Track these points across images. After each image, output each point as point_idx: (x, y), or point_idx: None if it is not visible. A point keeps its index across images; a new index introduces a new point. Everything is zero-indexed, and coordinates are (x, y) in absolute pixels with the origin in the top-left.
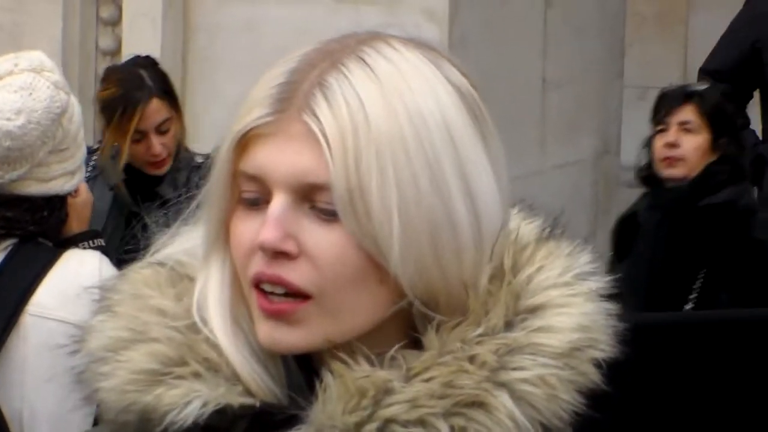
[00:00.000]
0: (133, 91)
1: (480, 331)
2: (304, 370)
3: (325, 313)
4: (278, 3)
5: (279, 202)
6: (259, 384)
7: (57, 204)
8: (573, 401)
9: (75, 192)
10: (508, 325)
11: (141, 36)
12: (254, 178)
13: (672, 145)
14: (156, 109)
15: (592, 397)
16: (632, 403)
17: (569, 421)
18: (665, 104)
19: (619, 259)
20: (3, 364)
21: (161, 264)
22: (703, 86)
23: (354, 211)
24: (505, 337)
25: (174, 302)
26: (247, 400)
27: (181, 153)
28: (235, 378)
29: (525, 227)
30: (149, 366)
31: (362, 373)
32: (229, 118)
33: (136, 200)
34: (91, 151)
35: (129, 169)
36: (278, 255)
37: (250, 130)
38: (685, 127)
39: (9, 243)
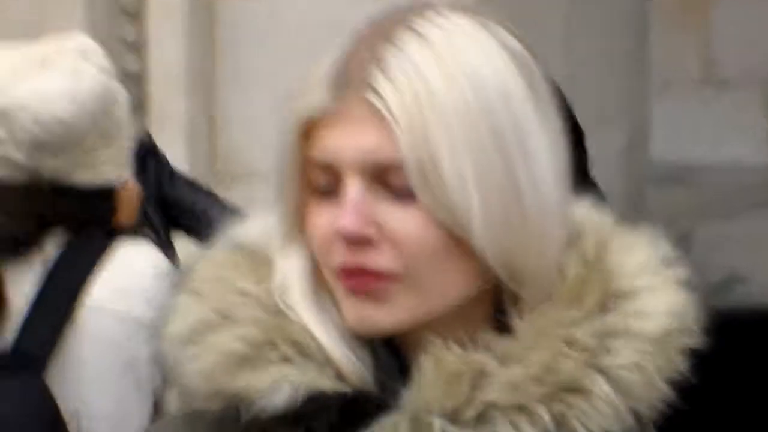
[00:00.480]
0: None
1: (576, 313)
2: (392, 354)
3: (413, 291)
4: None
5: (354, 186)
6: (351, 368)
7: (107, 193)
8: (666, 391)
9: (124, 184)
10: (601, 308)
11: (166, 32)
12: (324, 165)
13: None
14: None
15: (679, 387)
16: (715, 396)
17: (658, 412)
18: None
19: None
20: (60, 361)
21: (240, 247)
22: None
23: (429, 185)
24: (601, 320)
25: (256, 285)
26: (339, 386)
27: None
28: (325, 362)
29: (599, 214)
30: (238, 348)
31: (458, 355)
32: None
33: None
34: None
35: None
36: (360, 241)
37: (312, 117)
38: None
39: (59, 233)
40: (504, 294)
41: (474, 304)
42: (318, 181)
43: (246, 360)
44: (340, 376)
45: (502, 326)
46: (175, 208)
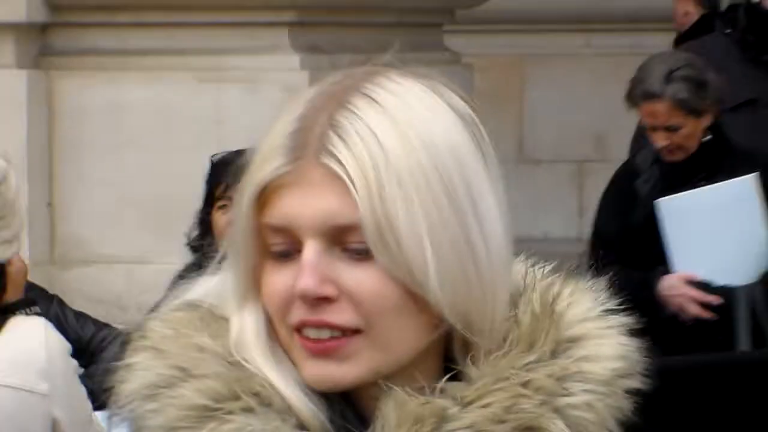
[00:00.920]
0: None
1: (532, 358)
2: (346, 404)
3: (373, 345)
4: (141, 83)
5: (311, 249)
6: (312, 417)
7: None
8: (615, 429)
9: (9, 261)
10: (554, 354)
11: (5, 122)
12: (281, 230)
13: None
14: None
15: (626, 426)
16: None
17: None
18: None
19: None
20: None
21: (194, 306)
22: None
23: (385, 245)
24: (555, 364)
25: (212, 340)
26: None
27: None
28: (287, 411)
29: (540, 269)
30: (200, 401)
31: (419, 400)
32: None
33: None
34: None
35: None
36: (319, 300)
37: (269, 183)
38: None
39: None
40: (454, 342)
41: (427, 353)
42: (274, 245)
43: (209, 412)
44: (301, 425)
45: (453, 374)
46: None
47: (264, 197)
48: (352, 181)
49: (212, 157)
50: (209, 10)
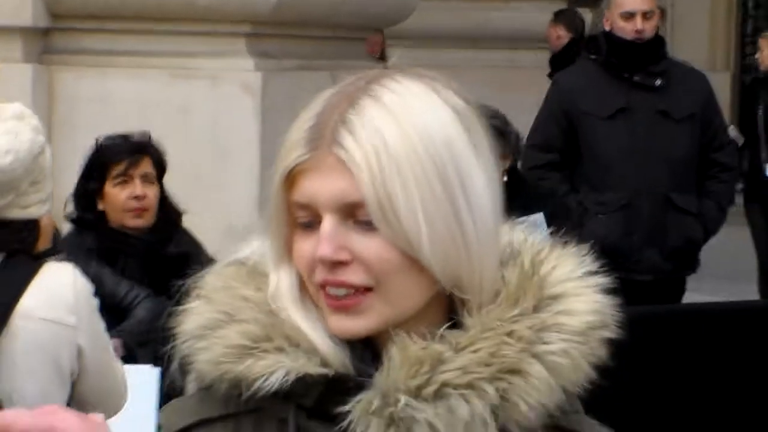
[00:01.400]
0: None
1: (516, 312)
2: (367, 347)
3: (382, 300)
4: (124, 77)
5: (328, 222)
6: (333, 356)
7: (33, 226)
8: (589, 372)
9: (43, 217)
10: (536, 309)
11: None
12: (304, 206)
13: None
14: None
15: (600, 370)
16: (631, 381)
17: (584, 388)
18: None
19: None
20: None
21: (241, 263)
22: None
23: (386, 219)
24: (536, 317)
25: (255, 292)
26: (323, 370)
27: None
28: (312, 352)
29: (532, 236)
30: (241, 342)
31: (420, 345)
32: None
33: None
34: None
35: None
36: (336, 264)
37: (294, 167)
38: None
39: None
40: (455, 298)
41: (431, 306)
42: (300, 218)
43: (248, 350)
44: (324, 363)
45: (455, 323)
46: None
47: (291, 179)
48: (358, 168)
49: (100, 139)
50: (182, 20)
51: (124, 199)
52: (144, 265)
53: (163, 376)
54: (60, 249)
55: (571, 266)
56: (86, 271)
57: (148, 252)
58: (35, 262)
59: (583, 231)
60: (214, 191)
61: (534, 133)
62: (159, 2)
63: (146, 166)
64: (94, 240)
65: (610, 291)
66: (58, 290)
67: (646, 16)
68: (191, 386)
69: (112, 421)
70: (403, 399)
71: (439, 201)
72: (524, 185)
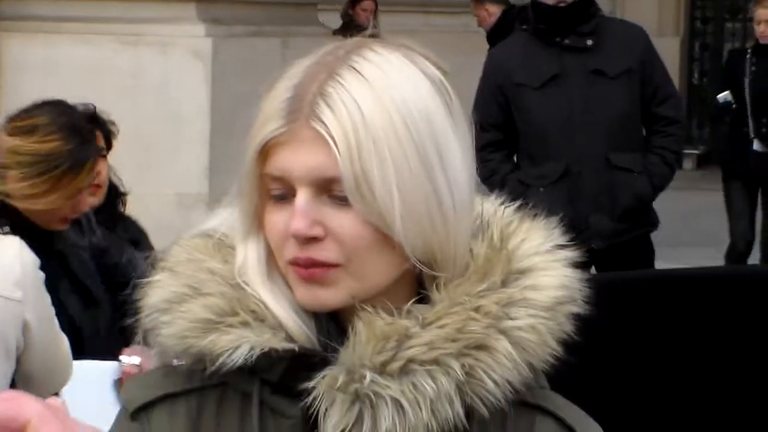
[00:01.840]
0: None
1: (483, 287)
2: (332, 322)
3: (352, 276)
4: (73, 44)
5: (302, 196)
6: (299, 331)
7: None
8: (555, 348)
9: None
10: (504, 283)
11: None
12: (278, 178)
13: None
14: None
15: (566, 345)
16: (599, 353)
17: (549, 364)
18: None
19: None
20: None
21: (208, 235)
22: None
23: (361, 195)
24: (503, 292)
25: (221, 265)
26: (289, 345)
27: None
28: (278, 326)
29: (505, 208)
30: (205, 316)
31: (386, 321)
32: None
33: None
34: None
35: None
36: (308, 240)
37: (270, 140)
38: None
39: None
40: (423, 273)
41: (400, 281)
42: (273, 190)
43: (212, 325)
44: (289, 338)
45: (424, 298)
46: None
47: (266, 151)
48: (335, 142)
49: None
50: None
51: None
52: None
53: None
54: (4, 221)
55: (539, 239)
56: None
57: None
58: None
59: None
60: (165, 159)
61: (473, 113)
62: None
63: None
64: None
65: (578, 264)
66: (4, 264)
67: None
68: (154, 360)
69: (79, 411)
70: (368, 375)
71: (417, 178)
72: None
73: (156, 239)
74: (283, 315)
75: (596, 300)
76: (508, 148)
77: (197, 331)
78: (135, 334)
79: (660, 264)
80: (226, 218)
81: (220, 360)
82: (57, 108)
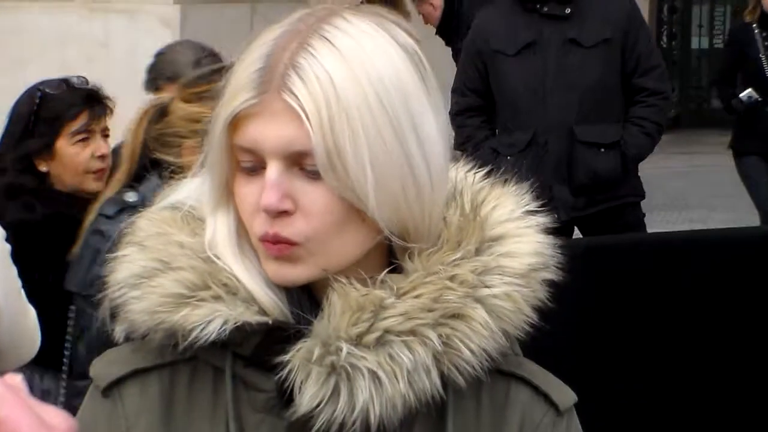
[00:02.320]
0: None
1: (458, 255)
2: (306, 295)
3: (318, 252)
4: (40, 12)
5: (273, 169)
6: (272, 304)
7: None
8: (530, 315)
9: None
10: (478, 252)
11: None
12: (249, 150)
13: None
14: None
15: (541, 312)
16: (574, 319)
17: (525, 332)
18: None
19: None
20: None
21: (175, 208)
22: None
23: (334, 170)
24: (478, 260)
25: (191, 237)
26: (262, 318)
27: None
28: (250, 300)
29: (475, 174)
30: (177, 290)
31: (361, 291)
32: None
33: None
34: None
35: None
36: (278, 213)
37: (240, 111)
38: None
39: None
40: (398, 243)
41: (372, 251)
42: (243, 162)
43: (184, 299)
44: (262, 311)
45: (396, 268)
46: None
47: (236, 122)
48: (307, 116)
49: (42, 88)
50: None
51: (87, 158)
52: None
53: None
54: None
55: (511, 206)
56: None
57: None
58: None
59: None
60: None
61: (456, 76)
62: None
63: (106, 120)
64: (32, 207)
65: (549, 231)
66: None
67: None
68: (120, 336)
69: None
70: (344, 347)
71: (391, 152)
72: None
73: None
74: (255, 288)
75: (570, 266)
76: (487, 114)
77: (169, 306)
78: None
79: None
80: (194, 189)
81: (193, 335)
82: None
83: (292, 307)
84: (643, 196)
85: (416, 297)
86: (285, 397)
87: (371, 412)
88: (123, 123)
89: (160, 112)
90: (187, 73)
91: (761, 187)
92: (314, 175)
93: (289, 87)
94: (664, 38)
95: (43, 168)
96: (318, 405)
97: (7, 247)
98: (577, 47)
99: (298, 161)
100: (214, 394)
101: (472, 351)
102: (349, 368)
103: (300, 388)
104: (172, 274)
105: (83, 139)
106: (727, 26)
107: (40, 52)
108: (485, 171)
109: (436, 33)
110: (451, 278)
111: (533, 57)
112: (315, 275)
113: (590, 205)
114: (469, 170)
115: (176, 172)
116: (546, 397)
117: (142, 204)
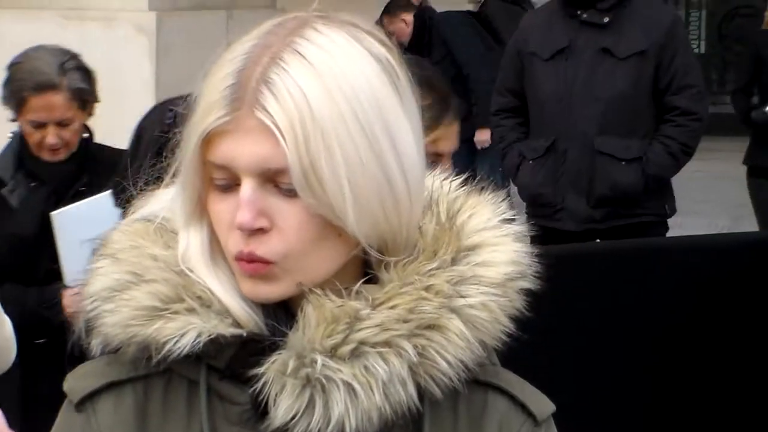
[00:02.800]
0: None
1: (434, 265)
2: (281, 306)
3: (293, 269)
4: (13, 19)
5: (248, 186)
6: (246, 317)
7: None
8: (507, 325)
9: None
10: (454, 261)
11: None
12: (222, 167)
13: None
14: None
15: (518, 321)
16: (552, 328)
17: (501, 341)
18: None
19: None
20: None
21: (149, 220)
22: None
23: (310, 188)
24: (454, 270)
25: (164, 250)
26: (237, 331)
27: None
28: (225, 312)
29: (450, 183)
30: (150, 303)
31: (336, 303)
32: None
33: None
34: None
35: None
36: (254, 231)
37: (212, 129)
38: None
39: None
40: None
41: (348, 263)
42: (217, 179)
43: (157, 312)
44: (237, 323)
45: (372, 278)
46: None
47: (209, 138)
48: (281, 133)
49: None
50: None
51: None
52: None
53: None
54: None
55: (487, 214)
56: None
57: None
58: None
59: (516, 180)
60: (109, 136)
61: (498, 76)
62: None
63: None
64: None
65: (527, 238)
66: None
67: None
68: (96, 350)
69: None
70: (319, 359)
71: (368, 168)
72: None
73: None
74: (229, 301)
75: (548, 275)
76: (524, 116)
77: (142, 319)
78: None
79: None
80: (167, 201)
81: (167, 347)
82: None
83: (267, 319)
84: (669, 215)
85: (391, 308)
86: (260, 409)
87: (347, 424)
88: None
89: None
90: (55, 79)
91: None
92: (290, 193)
93: (261, 104)
94: None
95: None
96: (293, 418)
97: None
98: (609, 57)
99: (273, 178)
100: (188, 407)
101: (448, 362)
102: (324, 380)
103: (275, 400)
104: (145, 286)
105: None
106: (702, 31)
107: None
108: (460, 179)
109: (406, 50)
110: (427, 288)
111: (564, 63)
112: (290, 292)
113: (610, 218)
114: (444, 178)
115: None
116: (523, 407)
117: None
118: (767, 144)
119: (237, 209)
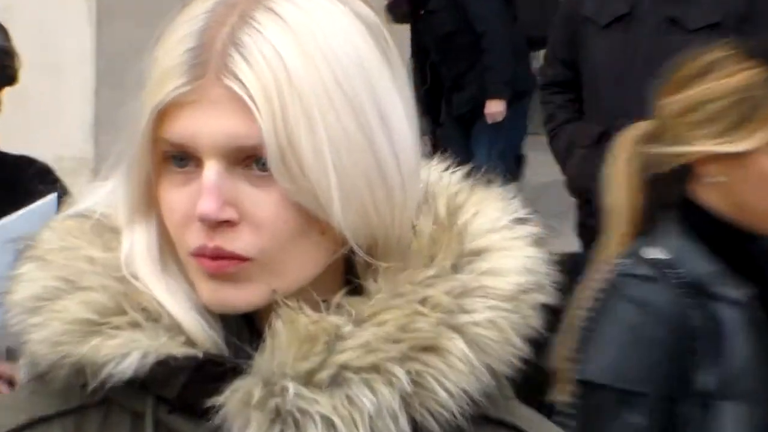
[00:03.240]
0: None
1: (431, 273)
2: (245, 321)
3: (268, 270)
4: None
5: (212, 169)
6: (202, 334)
7: None
8: (521, 347)
9: None
10: (455, 268)
11: None
12: (180, 146)
13: None
14: None
15: (534, 343)
16: None
17: (515, 368)
18: None
19: None
20: None
21: (84, 216)
22: None
23: (289, 170)
24: (455, 279)
25: (103, 252)
26: (190, 351)
27: None
28: (176, 328)
29: (451, 174)
30: (84, 315)
31: (312, 318)
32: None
33: None
34: None
35: None
36: (218, 224)
37: (169, 101)
38: None
39: None
40: (356, 256)
41: (328, 269)
42: (171, 161)
43: (94, 327)
44: (190, 342)
45: (356, 288)
46: None
47: (163, 111)
48: (255, 104)
49: None
50: None
51: None
52: None
53: None
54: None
55: (495, 213)
56: None
57: None
58: None
59: (565, 170)
60: (41, 115)
61: (548, 41)
62: None
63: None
64: None
65: (542, 242)
66: None
67: None
68: (22, 373)
69: None
70: (291, 387)
71: (355, 145)
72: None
73: None
74: (181, 314)
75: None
76: (576, 91)
77: (75, 335)
78: None
79: None
80: (105, 194)
81: (105, 371)
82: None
83: (228, 336)
84: None
85: (379, 324)
86: None
87: None
88: (28, 108)
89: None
90: (5, 60)
91: None
92: (263, 179)
93: (231, 70)
94: None
95: None
96: None
97: None
98: (678, 29)
99: (243, 160)
100: None
101: (448, 392)
102: (297, 413)
103: None
104: (79, 295)
105: None
106: None
107: None
108: (463, 170)
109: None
110: (422, 301)
111: (623, 34)
112: (262, 300)
113: None
114: (444, 169)
115: None
116: None
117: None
118: None
119: (197, 198)
